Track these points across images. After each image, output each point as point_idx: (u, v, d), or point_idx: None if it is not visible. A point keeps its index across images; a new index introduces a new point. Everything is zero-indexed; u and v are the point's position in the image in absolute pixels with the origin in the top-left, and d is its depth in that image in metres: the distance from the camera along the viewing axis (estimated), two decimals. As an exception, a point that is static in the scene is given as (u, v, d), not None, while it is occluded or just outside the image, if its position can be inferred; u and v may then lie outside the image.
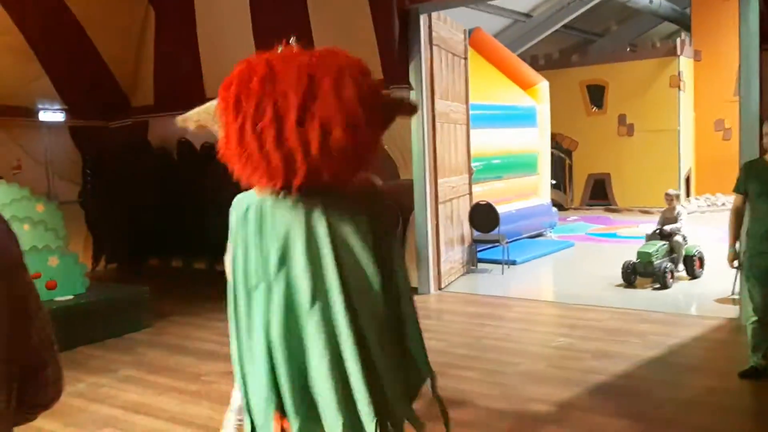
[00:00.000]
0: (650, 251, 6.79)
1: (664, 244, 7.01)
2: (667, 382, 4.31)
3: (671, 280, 6.81)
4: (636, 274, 6.93)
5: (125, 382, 4.72)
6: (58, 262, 5.96)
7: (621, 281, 6.98)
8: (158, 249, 9.24)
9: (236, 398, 2.73)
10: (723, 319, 5.58)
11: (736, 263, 4.32)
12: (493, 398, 4.15)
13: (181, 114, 2.13)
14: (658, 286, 6.77)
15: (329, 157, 1.82)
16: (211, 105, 2.01)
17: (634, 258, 6.92)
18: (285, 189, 1.88)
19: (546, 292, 7.61)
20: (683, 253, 7.10)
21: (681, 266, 7.14)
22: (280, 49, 1.96)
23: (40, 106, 8.59)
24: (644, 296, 6.53)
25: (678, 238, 7.10)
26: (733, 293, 6.25)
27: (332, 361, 1.88)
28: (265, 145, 1.81)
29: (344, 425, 1.87)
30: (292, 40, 2.02)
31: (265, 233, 1.93)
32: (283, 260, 1.90)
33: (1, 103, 7.93)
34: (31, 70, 8.01)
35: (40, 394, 1.19)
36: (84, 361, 5.24)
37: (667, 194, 7.51)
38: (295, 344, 1.90)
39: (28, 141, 8.56)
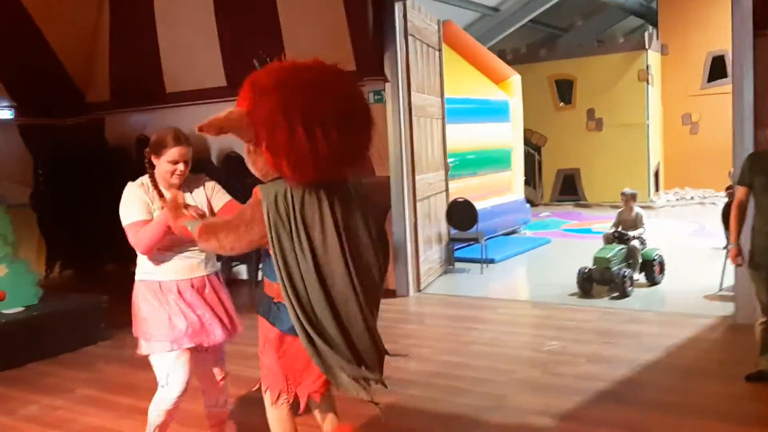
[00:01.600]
0: (607, 256, 6.17)
1: (622, 248, 6.39)
2: (671, 387, 4.05)
3: (630, 288, 6.20)
4: (593, 281, 6.29)
5: (83, 404, 4.28)
6: (6, 271, 5.45)
7: (591, 285, 6.28)
8: (117, 253, 8.71)
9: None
10: (716, 318, 5.38)
11: (740, 260, 4.08)
12: (488, 411, 3.83)
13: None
14: (616, 294, 6.16)
15: (352, 155, 2.39)
16: (235, 113, 2.34)
17: (590, 263, 6.29)
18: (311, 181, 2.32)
19: (529, 291, 7.37)
20: (640, 258, 6.51)
21: (638, 272, 6.52)
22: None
23: (-15, 103, 8.00)
24: (635, 293, 6.25)
25: (635, 242, 6.51)
26: (720, 289, 6.08)
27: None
28: (315, 143, 2.22)
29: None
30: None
31: (293, 218, 2.34)
32: (310, 240, 2.35)
33: (-58, 99, 7.35)
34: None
35: None
36: (36, 379, 4.77)
37: (623, 194, 6.85)
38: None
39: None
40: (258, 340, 2.73)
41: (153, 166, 3.01)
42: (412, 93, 6.74)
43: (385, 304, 6.31)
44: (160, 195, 3.00)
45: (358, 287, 2.40)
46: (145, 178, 3.05)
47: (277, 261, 2.37)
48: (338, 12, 6.63)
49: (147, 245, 2.94)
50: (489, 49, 11.83)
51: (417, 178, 6.86)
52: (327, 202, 2.36)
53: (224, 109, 2.36)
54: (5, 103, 8.12)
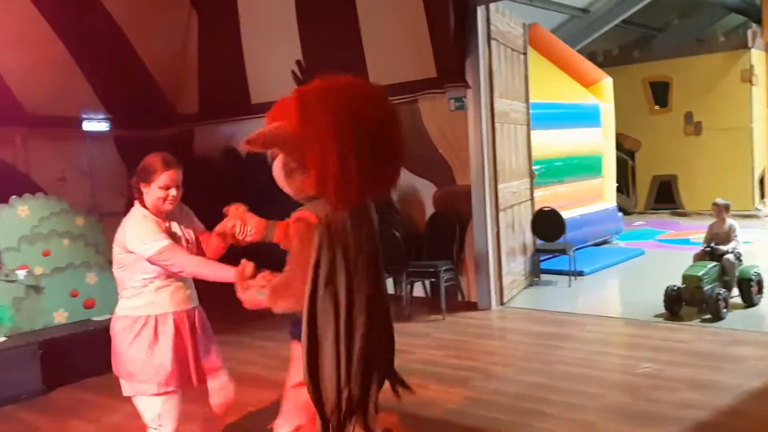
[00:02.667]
0: (698, 274, 5.60)
1: (715, 266, 5.79)
2: (783, 421, 3.67)
3: (725, 310, 5.58)
4: (682, 302, 5.74)
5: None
6: (96, 279, 5.65)
7: (680, 306, 5.76)
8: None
9: None
10: (834, 341, 4.87)
11: None
12: (575, 439, 3.58)
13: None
14: (708, 316, 5.59)
15: (391, 181, 2.50)
16: (285, 129, 2.34)
17: (678, 282, 5.74)
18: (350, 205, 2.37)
19: (620, 307, 6.95)
20: (737, 275, 5.89)
21: (735, 290, 5.91)
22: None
23: (83, 116, 8.38)
24: (730, 315, 5.76)
25: (730, 256, 5.88)
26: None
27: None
28: (362, 170, 2.28)
29: None
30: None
31: (337, 240, 2.37)
32: (348, 257, 2.39)
33: (45, 114, 7.73)
34: (73, 79, 7.79)
35: None
36: (119, 388, 4.87)
37: (715, 204, 6.21)
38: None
39: (72, 152, 8.36)
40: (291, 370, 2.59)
41: (142, 195, 2.81)
42: (495, 98, 6.52)
43: (465, 317, 6.20)
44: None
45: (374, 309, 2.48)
46: (143, 210, 2.84)
47: (323, 283, 2.36)
48: (419, 18, 6.50)
49: (193, 273, 2.81)
50: (578, 51, 11.41)
51: (500, 186, 6.62)
52: (356, 224, 2.43)
53: (272, 124, 2.37)
54: (101, 116, 8.48)
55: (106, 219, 6.55)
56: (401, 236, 6.52)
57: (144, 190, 2.81)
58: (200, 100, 8.82)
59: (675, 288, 5.79)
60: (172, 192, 2.81)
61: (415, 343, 5.51)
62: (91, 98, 8.22)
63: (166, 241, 2.75)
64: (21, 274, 5.27)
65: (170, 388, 2.83)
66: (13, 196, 5.53)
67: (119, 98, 8.43)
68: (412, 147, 6.98)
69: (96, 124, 8.51)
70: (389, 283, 7.06)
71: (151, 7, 7.88)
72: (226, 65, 8.26)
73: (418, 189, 7.05)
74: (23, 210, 5.49)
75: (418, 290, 6.90)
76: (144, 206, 2.82)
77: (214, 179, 8.60)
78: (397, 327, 6.18)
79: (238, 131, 8.23)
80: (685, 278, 5.72)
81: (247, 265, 2.57)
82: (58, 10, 6.98)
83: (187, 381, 2.89)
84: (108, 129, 8.62)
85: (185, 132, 9.06)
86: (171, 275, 2.84)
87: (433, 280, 6.50)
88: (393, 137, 2.41)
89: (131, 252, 2.79)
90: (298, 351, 2.52)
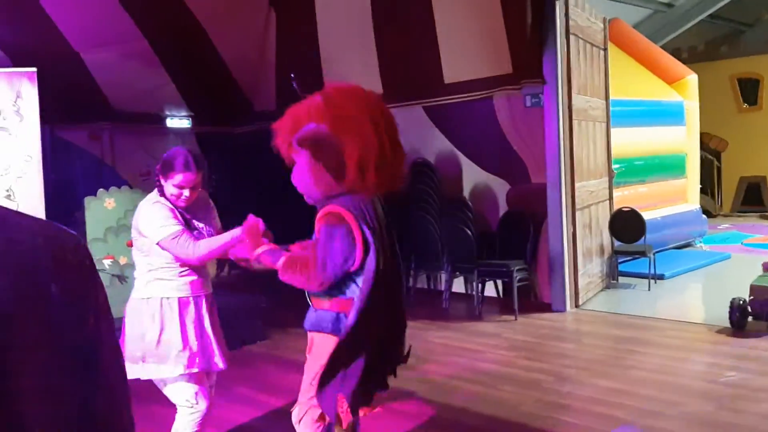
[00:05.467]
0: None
1: None
2: None
3: None
4: (749, 315, 5.27)
5: (237, 402, 4.41)
6: (177, 270, 5.83)
7: (746, 319, 5.30)
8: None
9: None
10: None
11: None
12: (653, 447, 3.45)
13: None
14: None
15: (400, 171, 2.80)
16: (320, 128, 2.58)
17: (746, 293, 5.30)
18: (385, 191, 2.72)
19: (703, 312, 6.63)
20: None
21: None
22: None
23: (167, 113, 8.70)
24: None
25: None
26: None
27: None
28: (395, 159, 2.66)
29: None
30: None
31: (367, 222, 2.58)
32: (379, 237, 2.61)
33: (130, 110, 8.07)
34: (158, 76, 8.09)
35: None
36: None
37: None
38: None
39: (155, 147, 8.67)
40: (312, 361, 2.68)
41: (161, 183, 2.86)
42: (573, 95, 6.35)
43: (539, 319, 6.08)
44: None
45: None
46: (159, 197, 2.88)
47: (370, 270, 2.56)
48: (495, 13, 6.42)
49: (203, 258, 2.83)
50: (662, 47, 10.98)
51: (577, 185, 6.44)
52: (379, 214, 2.70)
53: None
54: (184, 113, 8.77)
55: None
56: (473, 234, 6.45)
57: (162, 181, 2.85)
58: (277, 98, 8.98)
59: (741, 300, 5.33)
60: (185, 193, 2.83)
61: (487, 343, 5.44)
62: (174, 96, 8.51)
63: (177, 227, 2.78)
64: (107, 263, 5.52)
65: (196, 370, 2.85)
66: (101, 189, 5.79)
67: (200, 96, 8.69)
68: (486, 144, 6.91)
69: (178, 121, 8.82)
70: (460, 281, 7.01)
71: (231, 6, 8.08)
72: (303, 65, 8.39)
73: (491, 186, 6.96)
74: (110, 202, 5.74)
75: (489, 290, 6.82)
76: (162, 194, 2.86)
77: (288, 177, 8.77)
78: (468, 326, 6.18)
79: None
80: (754, 289, 5.29)
81: (259, 221, 2.77)
82: (143, 8, 7.25)
83: (212, 364, 2.92)
84: (190, 126, 8.92)
85: (262, 129, 9.23)
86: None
87: (506, 279, 6.40)
88: (396, 135, 2.71)
89: (145, 236, 2.85)
90: (319, 341, 2.68)
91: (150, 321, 2.83)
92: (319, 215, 2.62)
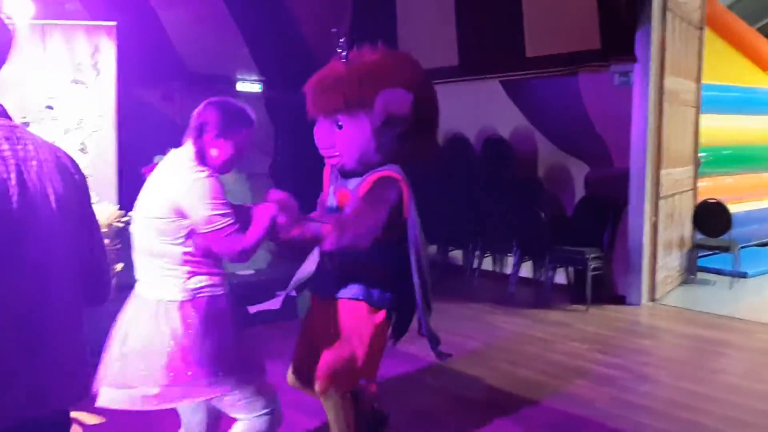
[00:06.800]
0: None
1: None
2: None
3: None
4: None
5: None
6: (241, 235, 5.77)
7: None
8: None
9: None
10: None
11: None
12: (743, 461, 3.16)
13: None
14: None
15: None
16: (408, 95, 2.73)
17: None
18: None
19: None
20: None
21: None
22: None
23: (238, 77, 8.61)
24: None
25: None
26: None
27: None
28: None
29: None
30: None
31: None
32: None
33: (202, 71, 8.00)
34: (231, 39, 8.00)
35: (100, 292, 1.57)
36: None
37: None
38: None
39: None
40: (341, 330, 2.73)
41: (204, 146, 2.37)
42: (665, 76, 5.94)
43: (611, 311, 5.78)
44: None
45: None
46: (201, 165, 2.30)
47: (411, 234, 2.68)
48: (587, -16, 6.02)
49: (251, 252, 2.27)
50: (757, 30, 10.27)
51: (662, 172, 6.05)
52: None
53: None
54: (255, 77, 8.68)
55: (254, 179, 6.73)
56: (545, 217, 6.16)
57: (211, 140, 2.31)
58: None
59: None
60: (234, 162, 2.37)
61: (556, 332, 5.18)
62: (247, 59, 8.41)
63: (231, 217, 2.22)
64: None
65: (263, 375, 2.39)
66: (171, 149, 5.73)
67: (272, 60, 8.57)
68: (566, 123, 6.56)
69: (249, 85, 8.73)
70: (528, 266, 6.72)
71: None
72: (378, 29, 8.15)
73: (569, 168, 6.61)
74: (179, 162, 5.68)
75: (559, 277, 6.52)
76: (203, 162, 2.31)
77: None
78: (536, 313, 5.92)
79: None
80: None
81: (286, 194, 2.50)
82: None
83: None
84: (260, 90, 8.82)
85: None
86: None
87: (579, 267, 6.08)
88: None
89: (187, 218, 2.22)
90: (349, 308, 2.70)
91: (212, 324, 2.23)
92: (371, 178, 2.63)
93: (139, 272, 2.33)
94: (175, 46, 7.50)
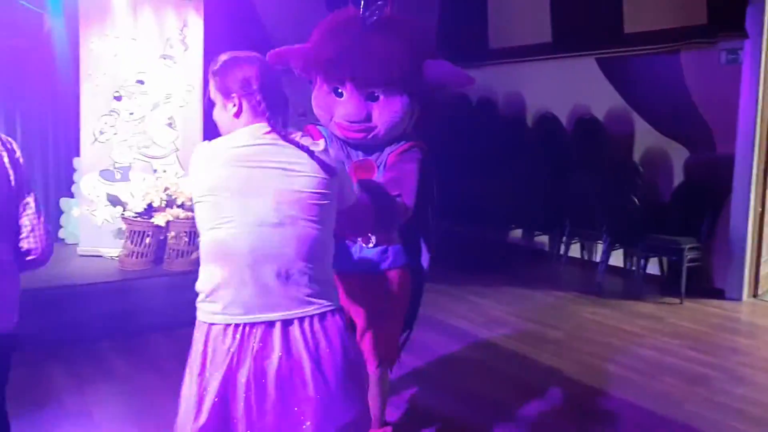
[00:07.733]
0: None
1: None
2: None
3: None
4: None
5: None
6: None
7: None
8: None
9: None
10: None
11: None
12: None
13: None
14: None
15: None
16: None
17: None
18: None
19: None
20: None
21: None
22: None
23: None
24: None
25: None
26: None
27: None
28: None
29: None
30: None
31: None
32: None
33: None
34: (320, 12, 7.97)
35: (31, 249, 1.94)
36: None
37: None
38: None
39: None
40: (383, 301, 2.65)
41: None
42: (780, 54, 5.44)
43: (707, 305, 5.42)
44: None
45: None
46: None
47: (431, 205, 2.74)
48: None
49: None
50: None
51: (772, 158, 5.58)
52: None
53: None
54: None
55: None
56: (641, 204, 5.82)
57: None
58: (438, 43, 8.59)
59: None
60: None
61: (646, 326, 4.89)
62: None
63: None
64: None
65: None
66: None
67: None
68: (666, 104, 6.16)
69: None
70: (617, 254, 6.39)
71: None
72: (469, 12, 7.92)
73: (668, 152, 6.20)
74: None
75: (652, 267, 6.17)
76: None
77: (445, 127, 8.42)
78: (625, 305, 5.62)
79: (475, 77, 7.91)
80: None
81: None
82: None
83: None
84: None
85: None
86: None
87: (674, 258, 5.71)
88: None
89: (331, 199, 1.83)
90: (395, 277, 2.63)
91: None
92: (403, 148, 2.56)
93: None
94: (262, 20, 7.53)
